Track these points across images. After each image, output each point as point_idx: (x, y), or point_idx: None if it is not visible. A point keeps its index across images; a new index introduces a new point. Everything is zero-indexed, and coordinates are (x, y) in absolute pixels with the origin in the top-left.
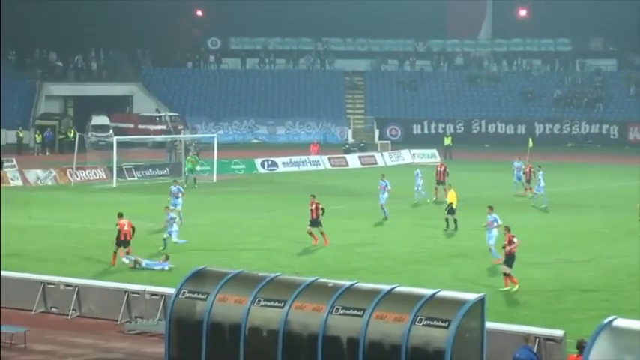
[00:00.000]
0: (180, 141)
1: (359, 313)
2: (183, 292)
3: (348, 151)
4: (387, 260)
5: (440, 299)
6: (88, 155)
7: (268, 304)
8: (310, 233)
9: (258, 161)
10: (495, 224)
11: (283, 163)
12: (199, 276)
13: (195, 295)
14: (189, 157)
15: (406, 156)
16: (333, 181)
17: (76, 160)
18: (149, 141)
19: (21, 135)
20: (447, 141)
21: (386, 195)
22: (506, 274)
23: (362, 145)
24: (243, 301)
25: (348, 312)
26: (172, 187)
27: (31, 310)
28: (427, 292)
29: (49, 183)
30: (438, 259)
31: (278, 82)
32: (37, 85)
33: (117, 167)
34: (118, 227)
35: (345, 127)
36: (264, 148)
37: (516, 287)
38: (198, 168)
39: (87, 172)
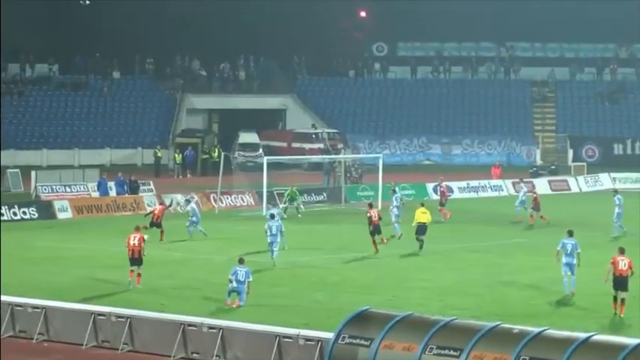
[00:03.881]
0: (340, 162)
1: None
2: (344, 337)
3: (535, 175)
4: (583, 301)
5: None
6: (234, 178)
7: (442, 352)
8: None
9: (430, 185)
10: None
11: (459, 188)
12: (362, 318)
13: (357, 341)
14: (290, 189)
15: (605, 180)
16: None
17: (220, 183)
18: (304, 162)
19: (159, 154)
20: None
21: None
22: None
23: (553, 167)
24: (414, 348)
25: None
26: None
27: (169, 357)
28: (582, 335)
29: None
30: None
31: (454, 93)
32: (178, 97)
33: (267, 192)
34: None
35: (532, 147)
36: (438, 170)
37: None
38: (297, 203)
39: (233, 197)
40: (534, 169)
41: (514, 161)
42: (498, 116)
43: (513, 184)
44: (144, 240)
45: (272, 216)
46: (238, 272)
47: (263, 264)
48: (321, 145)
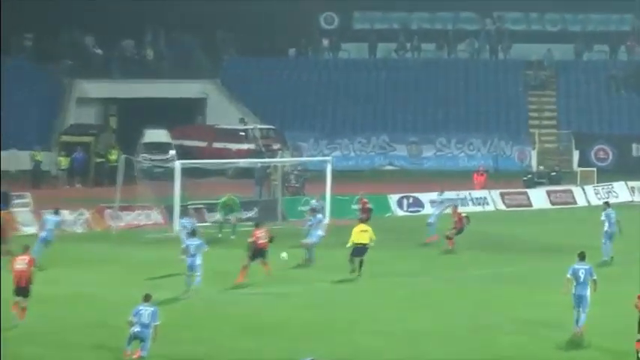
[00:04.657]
0: (277, 167)
1: None
2: None
3: (531, 184)
4: (596, 344)
5: None
6: (138, 188)
7: None
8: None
9: (393, 198)
10: None
11: (432, 202)
12: None
13: None
14: (225, 198)
15: (621, 191)
16: (508, 230)
17: (119, 195)
18: (230, 167)
19: (38, 157)
20: None
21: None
22: None
23: (553, 174)
24: None
25: None
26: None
27: None
28: None
29: (79, 230)
30: None
31: (425, 78)
32: (66, 83)
33: (181, 207)
34: None
35: (526, 147)
36: (404, 179)
37: None
38: (235, 217)
39: (136, 213)
40: (529, 176)
41: (503, 166)
42: (483, 107)
43: (502, 195)
44: (34, 264)
45: (192, 233)
46: (142, 312)
47: (175, 300)
48: (252, 146)
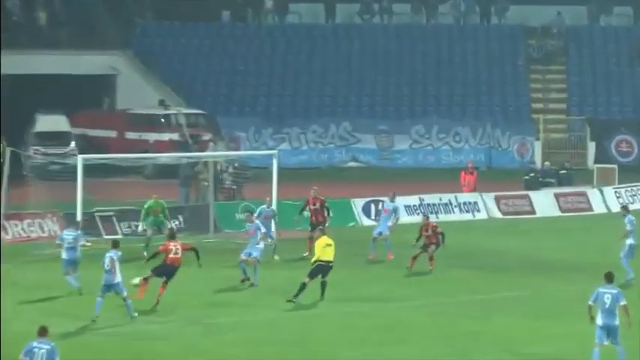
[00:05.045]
0: (207, 164)
1: None
2: None
3: (534, 185)
4: None
5: None
6: (29, 190)
7: None
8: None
9: (358, 204)
10: None
11: (407, 208)
12: None
13: None
14: (150, 202)
15: None
16: (505, 243)
17: (4, 199)
18: (147, 164)
19: None
20: None
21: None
22: None
23: (563, 172)
24: None
25: None
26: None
27: None
28: None
29: None
30: None
31: (398, 49)
32: None
33: (84, 215)
34: None
35: (528, 138)
36: (371, 179)
37: None
38: (167, 224)
39: (26, 223)
40: (532, 175)
41: (499, 162)
42: (472, 87)
43: (497, 200)
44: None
45: (114, 244)
46: (36, 352)
47: (79, 333)
48: (176, 136)
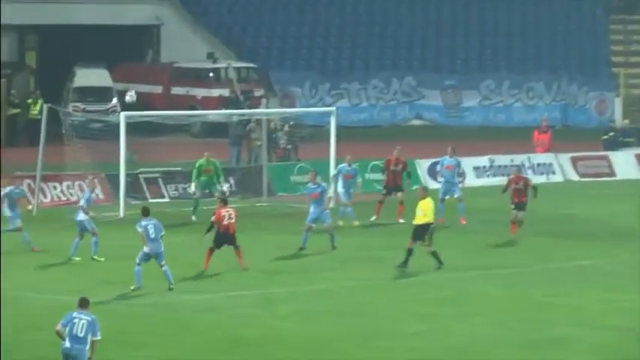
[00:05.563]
0: (260, 122)
1: None
2: None
3: (614, 145)
4: None
5: None
6: (67, 150)
7: None
8: None
9: (423, 165)
10: None
11: (476, 170)
12: None
13: None
14: (201, 161)
15: None
16: (582, 208)
17: (41, 160)
18: (195, 122)
19: None
20: None
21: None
22: None
23: None
24: None
25: None
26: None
27: None
28: None
29: None
30: None
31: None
32: None
33: (128, 176)
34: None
35: (607, 94)
36: (437, 138)
37: None
38: (220, 186)
39: (65, 185)
40: (611, 134)
41: (575, 120)
42: (545, 39)
43: (574, 161)
44: None
45: (145, 212)
46: (76, 322)
47: (124, 305)
48: (226, 92)
